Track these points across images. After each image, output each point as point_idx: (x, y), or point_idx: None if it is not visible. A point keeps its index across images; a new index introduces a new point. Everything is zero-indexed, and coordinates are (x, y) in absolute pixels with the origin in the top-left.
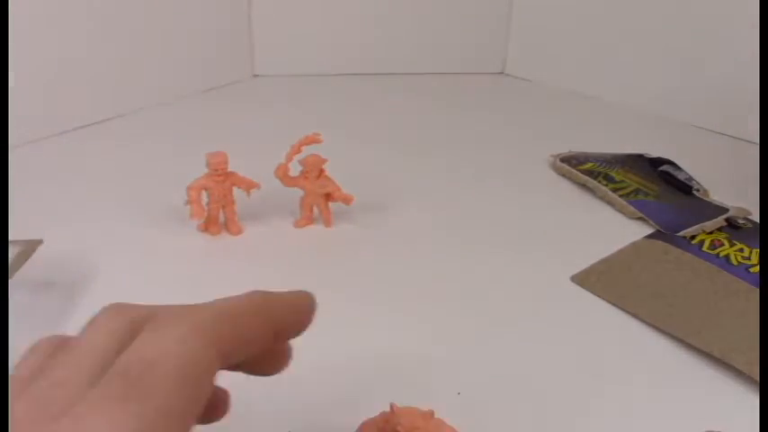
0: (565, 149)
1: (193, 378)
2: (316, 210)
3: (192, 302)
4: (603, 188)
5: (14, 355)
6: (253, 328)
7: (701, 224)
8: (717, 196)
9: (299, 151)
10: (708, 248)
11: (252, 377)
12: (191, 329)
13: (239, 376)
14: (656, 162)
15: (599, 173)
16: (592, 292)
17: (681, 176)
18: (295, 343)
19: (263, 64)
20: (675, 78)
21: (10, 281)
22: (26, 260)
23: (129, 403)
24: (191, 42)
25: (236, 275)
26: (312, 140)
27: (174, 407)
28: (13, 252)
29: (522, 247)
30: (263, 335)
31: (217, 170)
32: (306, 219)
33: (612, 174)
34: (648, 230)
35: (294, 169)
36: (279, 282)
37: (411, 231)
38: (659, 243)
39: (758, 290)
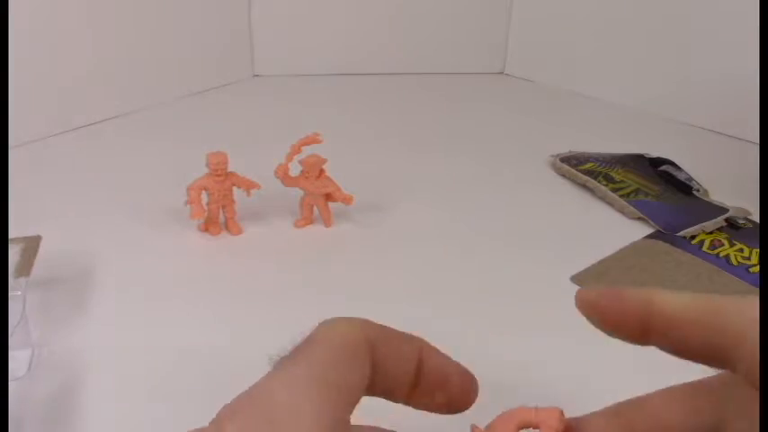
0: (565, 149)
1: (346, 347)
2: (316, 210)
3: (190, 302)
4: (603, 188)
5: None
6: (401, 339)
7: (701, 224)
8: (717, 196)
9: (299, 151)
10: (708, 248)
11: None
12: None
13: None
14: (656, 162)
15: (599, 173)
16: None
17: (681, 176)
18: None
19: (263, 64)
20: (675, 78)
21: (28, 279)
22: (35, 255)
23: (297, 364)
24: (191, 42)
25: (236, 275)
26: (312, 140)
27: (333, 365)
28: (15, 249)
29: (522, 247)
30: (411, 353)
31: (217, 170)
32: (306, 219)
33: (612, 174)
34: (648, 230)
35: (294, 169)
36: (279, 282)
37: (411, 231)
38: (659, 243)
39: (758, 290)
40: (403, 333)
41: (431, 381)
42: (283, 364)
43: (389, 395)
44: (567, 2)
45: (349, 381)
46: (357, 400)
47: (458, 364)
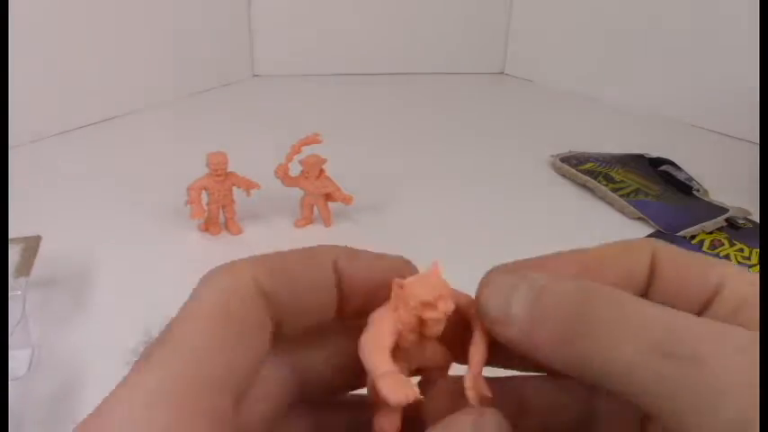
0: (565, 149)
1: (226, 318)
2: (316, 210)
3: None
4: (603, 188)
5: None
6: (304, 264)
7: (701, 224)
8: (717, 196)
9: (299, 151)
10: (708, 248)
11: None
12: (218, 273)
13: None
14: (656, 162)
15: (599, 173)
16: None
17: (681, 176)
18: None
19: (263, 64)
20: (675, 78)
21: (27, 279)
22: (35, 255)
23: (151, 363)
24: (191, 42)
25: None
26: (312, 140)
27: (204, 353)
28: (15, 249)
29: (522, 247)
30: (322, 273)
31: (217, 170)
32: (306, 219)
33: (612, 174)
34: (648, 230)
35: (294, 169)
36: None
37: (411, 231)
38: None
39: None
40: (305, 251)
41: (360, 292)
42: (137, 369)
43: (312, 324)
44: (566, 3)
45: (236, 361)
46: (254, 373)
47: (387, 258)
